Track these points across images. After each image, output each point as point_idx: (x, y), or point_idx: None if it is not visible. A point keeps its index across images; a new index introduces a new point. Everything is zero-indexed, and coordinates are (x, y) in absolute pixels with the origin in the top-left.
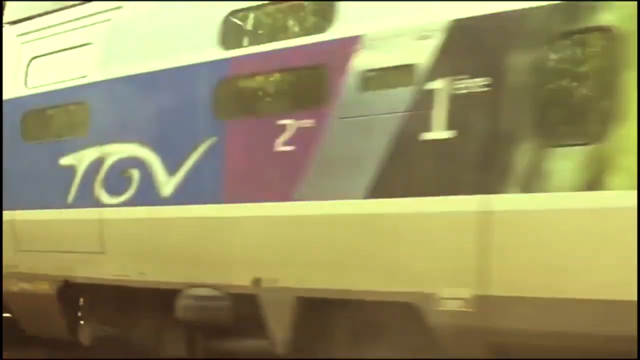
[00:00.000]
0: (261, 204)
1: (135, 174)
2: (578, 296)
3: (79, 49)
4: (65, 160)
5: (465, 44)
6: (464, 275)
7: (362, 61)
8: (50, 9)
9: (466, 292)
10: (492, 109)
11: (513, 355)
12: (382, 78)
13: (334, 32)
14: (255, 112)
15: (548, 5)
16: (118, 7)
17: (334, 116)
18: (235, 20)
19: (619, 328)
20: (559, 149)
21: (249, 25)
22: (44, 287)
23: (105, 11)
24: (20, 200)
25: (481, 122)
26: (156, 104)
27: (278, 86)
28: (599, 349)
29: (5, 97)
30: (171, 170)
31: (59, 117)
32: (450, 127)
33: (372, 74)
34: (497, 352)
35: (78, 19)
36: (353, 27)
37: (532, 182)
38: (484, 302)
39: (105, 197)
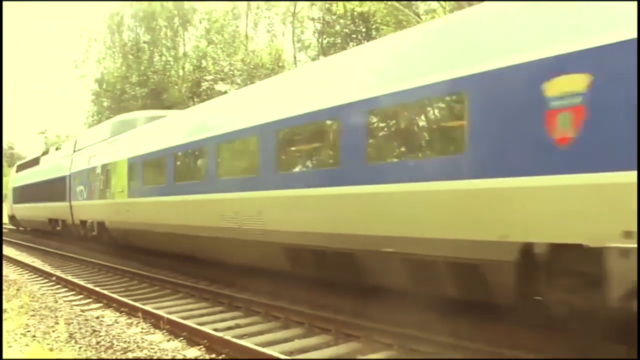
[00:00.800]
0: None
1: (82, 192)
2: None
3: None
4: (77, 188)
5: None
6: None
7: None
8: None
9: (108, 220)
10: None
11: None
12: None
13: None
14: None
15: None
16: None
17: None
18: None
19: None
20: None
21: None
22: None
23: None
24: (74, 198)
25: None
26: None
27: None
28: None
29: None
30: (84, 191)
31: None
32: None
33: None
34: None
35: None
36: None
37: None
38: (111, 223)
39: (79, 197)
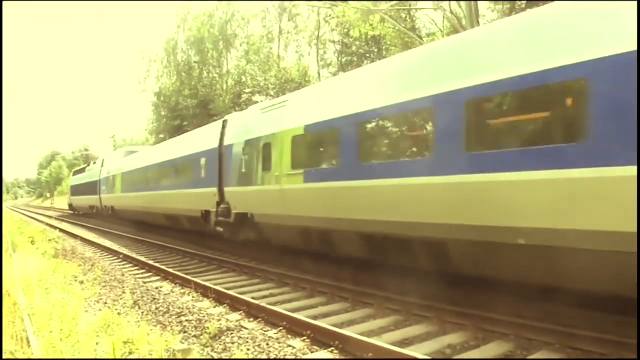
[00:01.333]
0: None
1: (105, 190)
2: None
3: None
4: (103, 188)
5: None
6: (115, 203)
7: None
8: None
9: (115, 205)
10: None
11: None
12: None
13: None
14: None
15: None
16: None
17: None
18: None
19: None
20: None
21: None
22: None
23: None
24: (102, 193)
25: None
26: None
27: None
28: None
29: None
30: (106, 189)
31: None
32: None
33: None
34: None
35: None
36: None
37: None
38: (116, 206)
39: (104, 193)
